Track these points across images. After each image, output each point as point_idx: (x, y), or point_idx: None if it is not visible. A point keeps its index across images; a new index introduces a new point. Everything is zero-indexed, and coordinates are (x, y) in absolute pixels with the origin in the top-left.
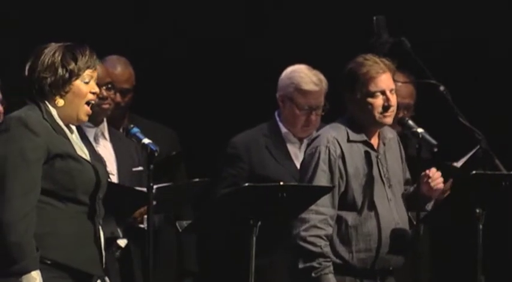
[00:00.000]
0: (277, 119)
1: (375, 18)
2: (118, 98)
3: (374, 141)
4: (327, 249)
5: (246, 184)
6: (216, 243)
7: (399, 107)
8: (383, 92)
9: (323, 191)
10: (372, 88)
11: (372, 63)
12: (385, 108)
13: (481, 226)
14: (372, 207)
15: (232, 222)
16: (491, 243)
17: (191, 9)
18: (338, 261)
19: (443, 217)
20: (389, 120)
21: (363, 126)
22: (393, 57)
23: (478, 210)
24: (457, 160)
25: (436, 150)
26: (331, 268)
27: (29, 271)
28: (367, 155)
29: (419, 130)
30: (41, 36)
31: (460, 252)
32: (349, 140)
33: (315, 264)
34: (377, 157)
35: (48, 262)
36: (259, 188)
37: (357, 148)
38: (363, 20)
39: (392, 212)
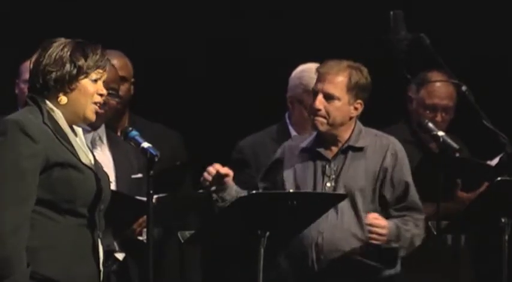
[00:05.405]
0: (287, 121)
1: (392, 13)
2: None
3: (331, 149)
4: None
5: (253, 191)
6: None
7: (436, 108)
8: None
9: (336, 199)
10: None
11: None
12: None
13: (506, 237)
14: None
15: (238, 232)
16: None
17: (194, 9)
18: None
19: (469, 226)
20: (318, 126)
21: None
22: (411, 54)
23: (503, 220)
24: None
25: (458, 154)
26: None
27: None
28: (313, 164)
29: (440, 133)
30: (40, 36)
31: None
32: (299, 148)
33: None
34: (323, 166)
35: (40, 277)
36: (267, 195)
37: (306, 157)
38: (379, 15)
39: (318, 223)
